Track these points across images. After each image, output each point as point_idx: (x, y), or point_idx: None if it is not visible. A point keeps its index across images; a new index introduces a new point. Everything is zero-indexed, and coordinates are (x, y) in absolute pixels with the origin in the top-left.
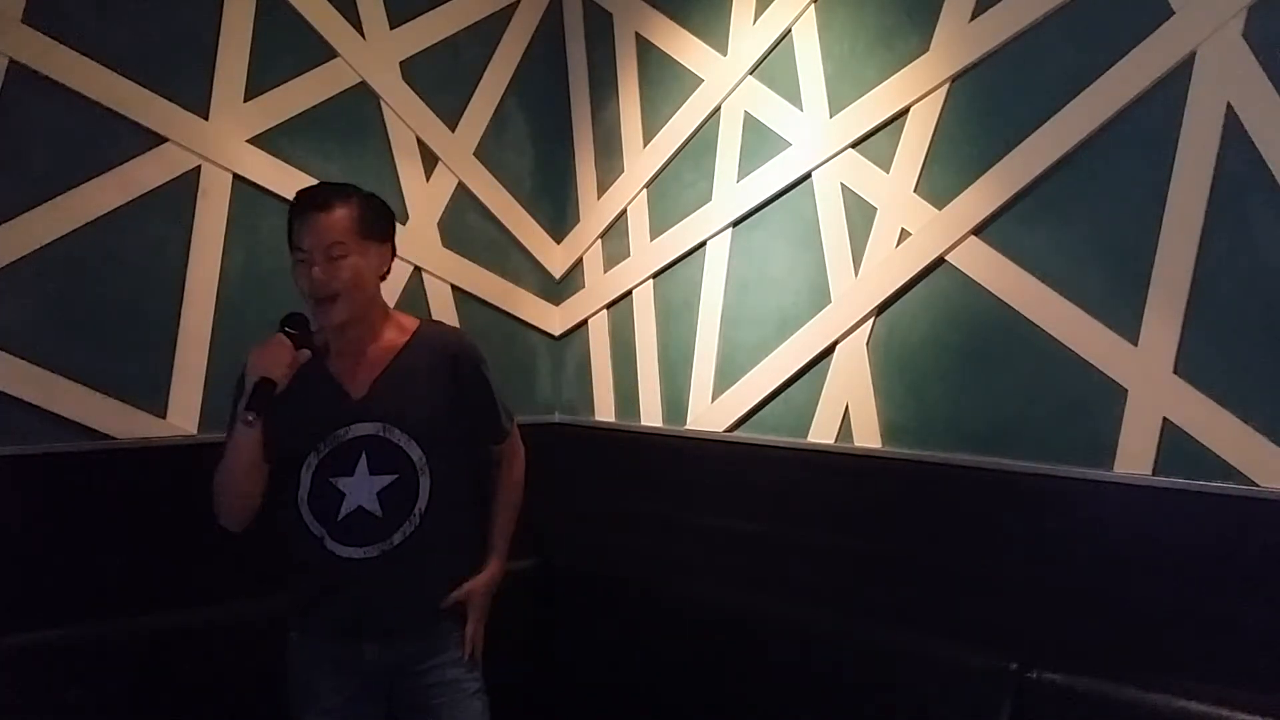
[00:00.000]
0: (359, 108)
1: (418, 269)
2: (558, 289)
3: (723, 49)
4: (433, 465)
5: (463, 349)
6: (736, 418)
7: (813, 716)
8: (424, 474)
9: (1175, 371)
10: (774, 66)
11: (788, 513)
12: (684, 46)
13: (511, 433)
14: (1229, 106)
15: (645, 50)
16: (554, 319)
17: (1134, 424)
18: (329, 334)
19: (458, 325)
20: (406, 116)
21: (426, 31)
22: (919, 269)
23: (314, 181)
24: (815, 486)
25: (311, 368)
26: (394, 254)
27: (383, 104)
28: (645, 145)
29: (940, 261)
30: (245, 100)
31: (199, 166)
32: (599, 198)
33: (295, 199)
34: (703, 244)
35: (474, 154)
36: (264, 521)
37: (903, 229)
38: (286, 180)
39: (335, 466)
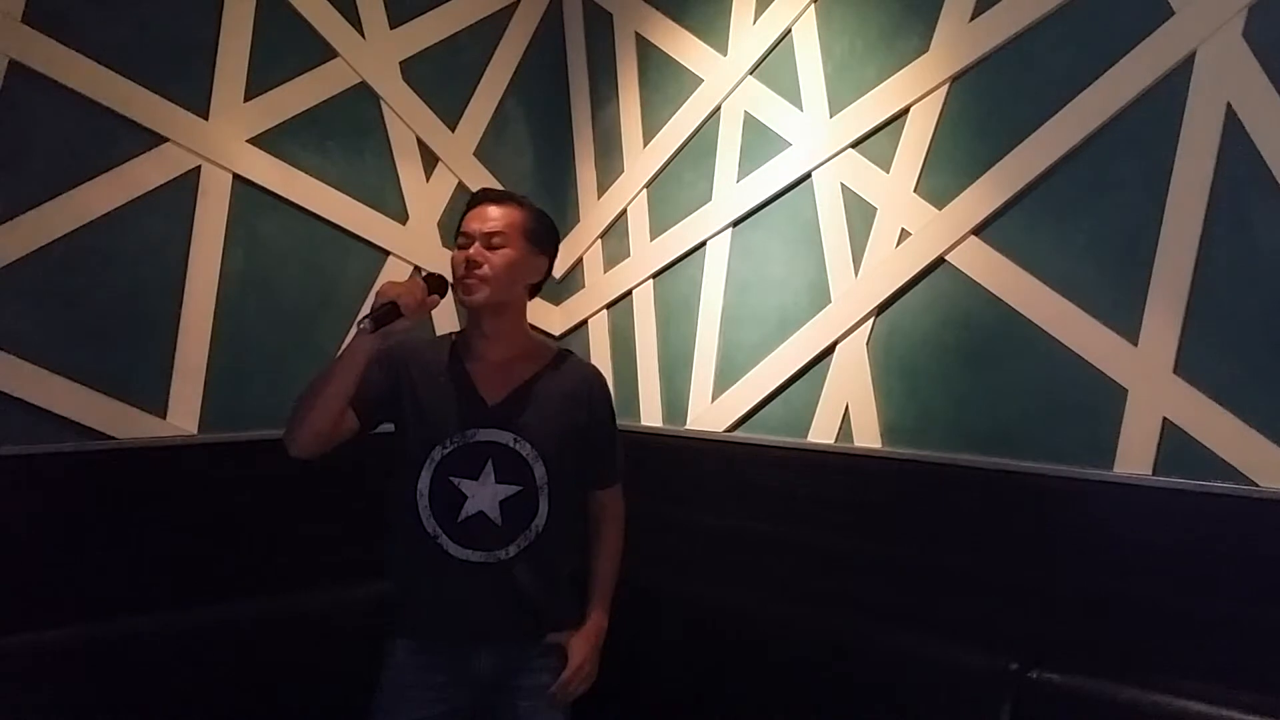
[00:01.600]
0: (359, 108)
1: (418, 269)
2: (558, 289)
3: (723, 49)
4: (552, 487)
5: (599, 384)
6: (736, 418)
7: (813, 716)
8: (543, 493)
9: (1175, 371)
10: (774, 66)
11: (788, 513)
12: (684, 46)
13: (616, 487)
14: (1229, 106)
15: (645, 50)
16: (554, 319)
17: (1134, 424)
18: (471, 336)
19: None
20: (406, 116)
21: (426, 31)
22: (919, 269)
23: (314, 181)
24: (815, 486)
25: (450, 367)
26: (549, 273)
27: (383, 104)
28: (645, 145)
29: (940, 261)
30: (245, 100)
31: (199, 166)
32: (599, 198)
33: (475, 193)
34: (703, 244)
35: (474, 154)
36: (261, 521)
37: (903, 229)
38: (286, 180)
39: (460, 467)
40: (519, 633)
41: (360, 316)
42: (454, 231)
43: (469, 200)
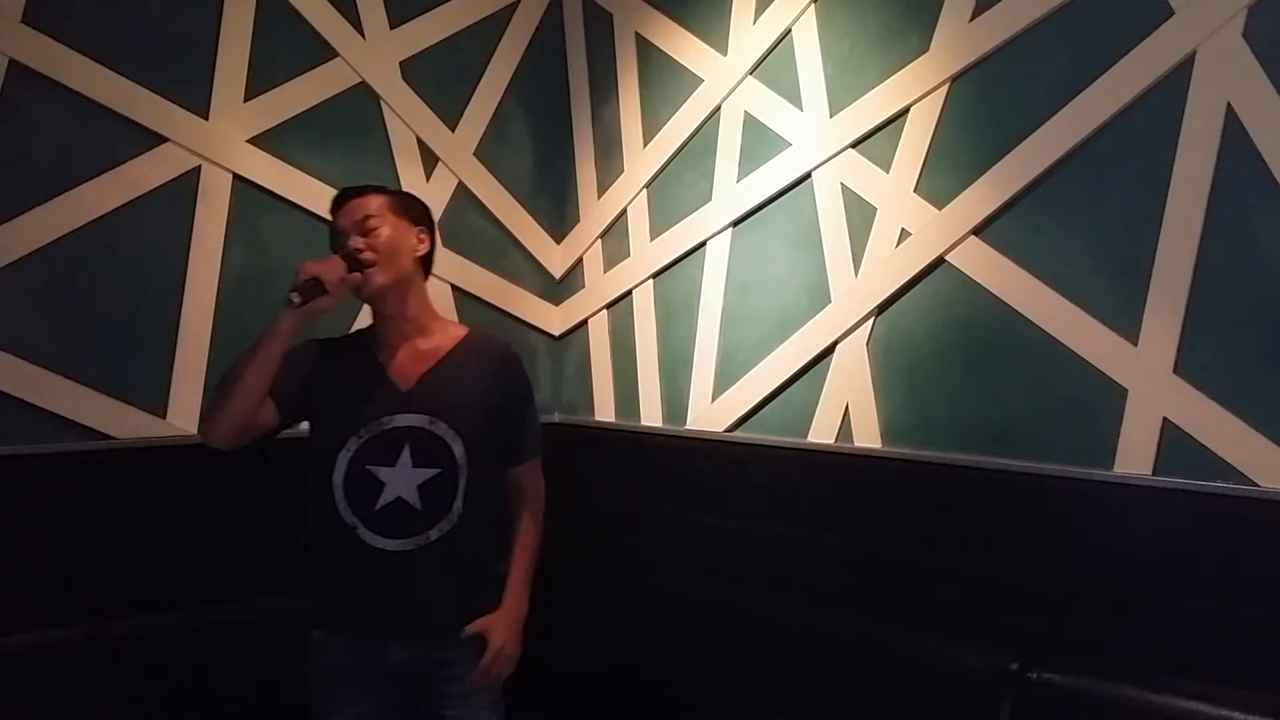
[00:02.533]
0: (359, 108)
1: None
2: (558, 289)
3: (723, 49)
4: (471, 467)
5: (511, 358)
6: (736, 418)
7: (813, 716)
8: (463, 473)
9: (1175, 371)
10: (774, 66)
11: (788, 513)
12: (684, 46)
13: (533, 463)
14: (1229, 106)
15: (645, 50)
16: (554, 319)
17: (1134, 424)
18: (378, 326)
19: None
20: (406, 116)
21: (426, 31)
22: (919, 269)
23: (314, 181)
24: (815, 486)
25: (359, 357)
26: (433, 243)
27: (383, 104)
28: (645, 145)
29: (940, 261)
30: (245, 100)
31: (199, 166)
32: (599, 198)
33: (333, 199)
34: (703, 244)
35: (474, 154)
36: (261, 521)
37: (903, 229)
38: (286, 180)
39: (375, 455)
40: (442, 624)
41: (288, 291)
42: (450, 231)
43: (331, 207)
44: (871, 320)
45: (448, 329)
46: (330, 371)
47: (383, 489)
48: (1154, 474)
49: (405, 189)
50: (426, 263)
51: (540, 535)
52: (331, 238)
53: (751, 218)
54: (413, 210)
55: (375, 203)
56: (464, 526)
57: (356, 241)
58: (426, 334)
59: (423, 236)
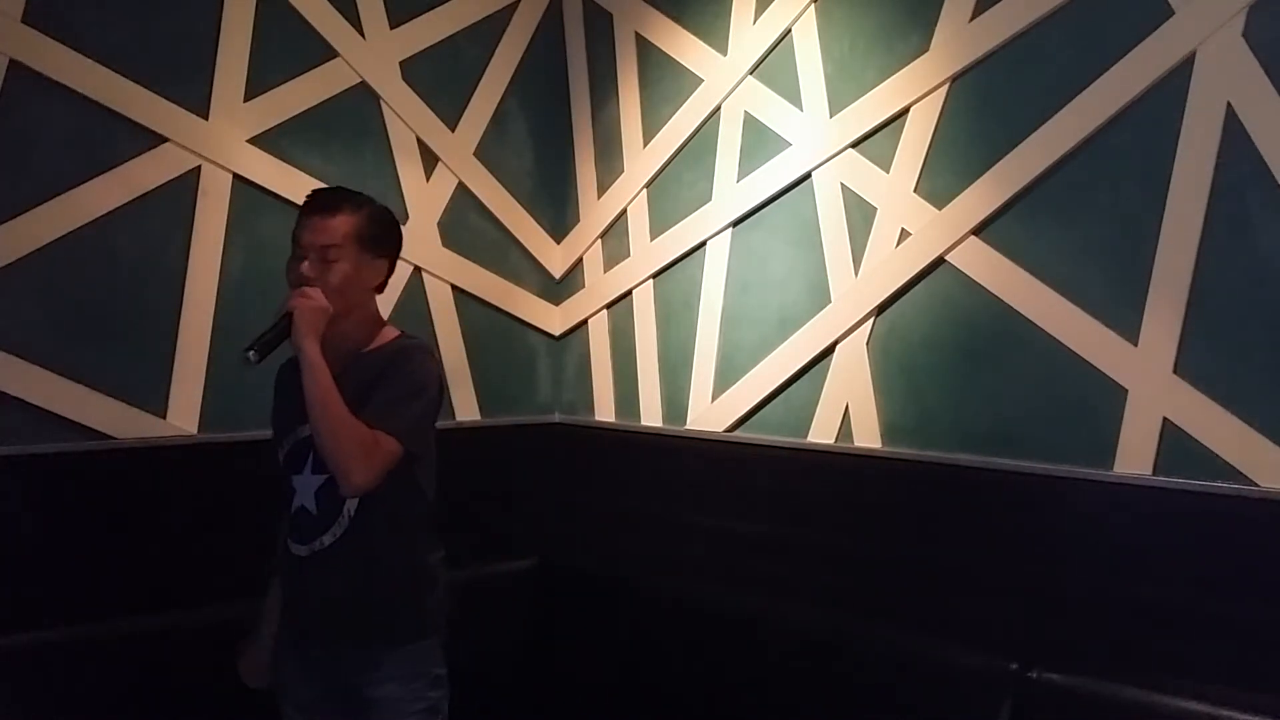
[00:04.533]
0: (359, 108)
1: (418, 269)
2: (558, 289)
3: (723, 49)
4: None
5: (403, 351)
6: (736, 418)
7: (812, 716)
8: None
9: (1175, 371)
10: (774, 66)
11: (788, 513)
12: (684, 46)
13: (390, 435)
14: (1229, 106)
15: (645, 50)
16: (554, 319)
17: (1134, 424)
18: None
19: (457, 325)
20: (406, 116)
21: (426, 31)
22: (919, 269)
23: (314, 181)
24: (815, 486)
25: (293, 371)
26: (391, 270)
27: (383, 104)
28: (645, 145)
29: (940, 261)
30: (245, 100)
31: (199, 166)
32: (599, 198)
33: (306, 198)
34: (703, 244)
35: (474, 154)
36: (261, 521)
37: (903, 229)
38: (286, 180)
39: (293, 465)
40: (343, 628)
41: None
42: (450, 231)
43: (302, 206)
44: (871, 320)
45: (379, 337)
46: (280, 393)
47: (294, 496)
48: (1154, 474)
49: (405, 189)
50: (381, 287)
51: (347, 423)
52: (293, 240)
53: (751, 218)
54: (380, 241)
55: (343, 229)
56: (356, 531)
57: (310, 269)
58: (353, 344)
59: (381, 268)
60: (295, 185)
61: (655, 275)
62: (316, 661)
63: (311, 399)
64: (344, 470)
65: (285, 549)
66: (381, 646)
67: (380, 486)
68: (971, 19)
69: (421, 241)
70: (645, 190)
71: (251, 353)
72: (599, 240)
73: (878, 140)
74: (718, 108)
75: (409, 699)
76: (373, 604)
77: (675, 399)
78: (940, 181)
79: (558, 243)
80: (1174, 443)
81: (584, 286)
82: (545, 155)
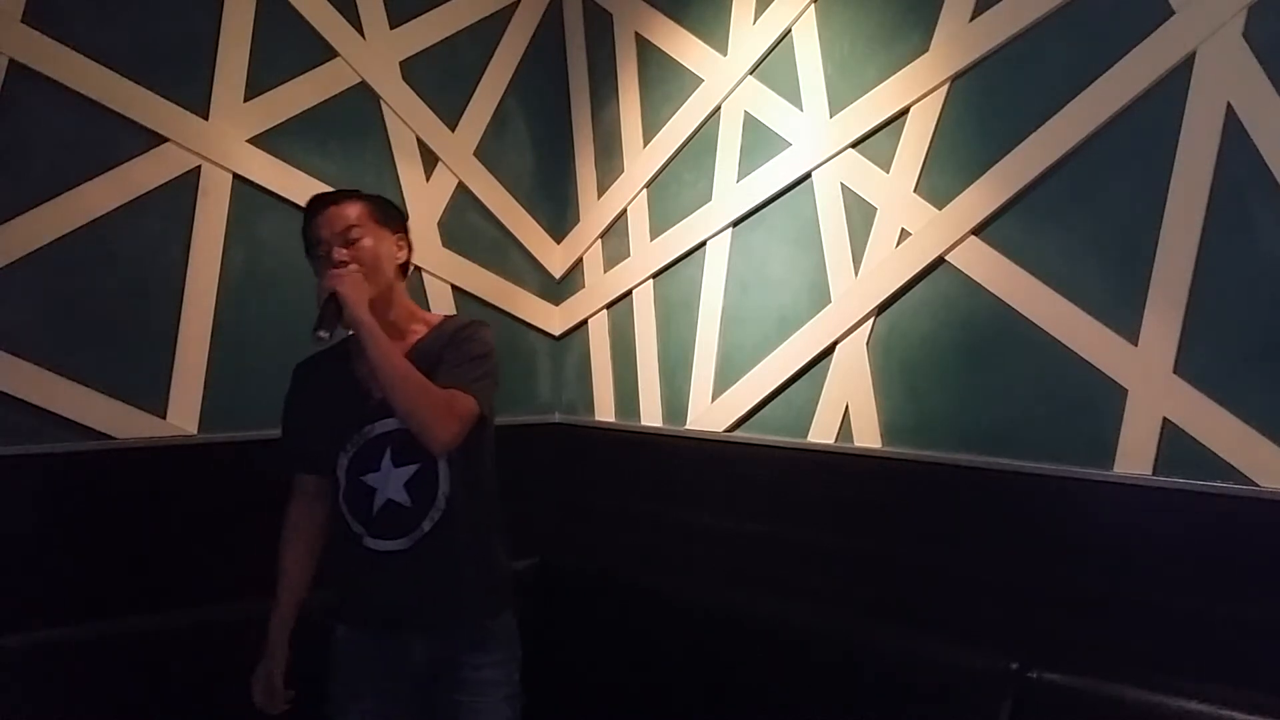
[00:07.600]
0: (359, 108)
1: (418, 269)
2: (558, 289)
3: (723, 49)
4: (451, 452)
5: (465, 328)
6: (736, 418)
7: (813, 716)
8: (443, 460)
9: (1175, 371)
10: (774, 66)
11: (788, 513)
12: (684, 46)
13: (464, 393)
14: (1229, 106)
15: (645, 50)
16: (554, 319)
17: (1134, 424)
18: (354, 337)
19: None
20: (406, 116)
21: (426, 31)
22: (919, 269)
23: (314, 181)
24: (815, 486)
25: (337, 373)
26: (410, 249)
27: (383, 104)
28: (645, 145)
29: (940, 261)
30: (245, 100)
31: (199, 166)
32: (599, 198)
33: (307, 204)
34: (703, 244)
35: (474, 154)
36: (261, 521)
37: (903, 229)
38: (286, 180)
39: (364, 464)
40: (453, 613)
41: (313, 329)
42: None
43: (305, 212)
44: (871, 320)
45: (423, 322)
46: (313, 396)
47: (374, 494)
48: (1154, 474)
49: (405, 189)
50: (406, 267)
51: (434, 395)
52: (307, 246)
53: (751, 218)
54: (391, 218)
55: (355, 211)
56: (454, 511)
57: (340, 253)
58: (400, 334)
59: (401, 243)
60: (295, 185)
61: (655, 275)
62: (408, 657)
63: (381, 366)
64: (429, 427)
65: (355, 551)
66: (490, 618)
67: (467, 459)
68: (971, 19)
69: (421, 241)
70: (645, 190)
71: (321, 331)
72: (599, 240)
73: (878, 140)
74: (718, 108)
75: (500, 683)
76: (480, 578)
77: (675, 399)
78: (940, 181)
79: (558, 243)
80: (1174, 443)
81: (584, 286)
82: (545, 155)
